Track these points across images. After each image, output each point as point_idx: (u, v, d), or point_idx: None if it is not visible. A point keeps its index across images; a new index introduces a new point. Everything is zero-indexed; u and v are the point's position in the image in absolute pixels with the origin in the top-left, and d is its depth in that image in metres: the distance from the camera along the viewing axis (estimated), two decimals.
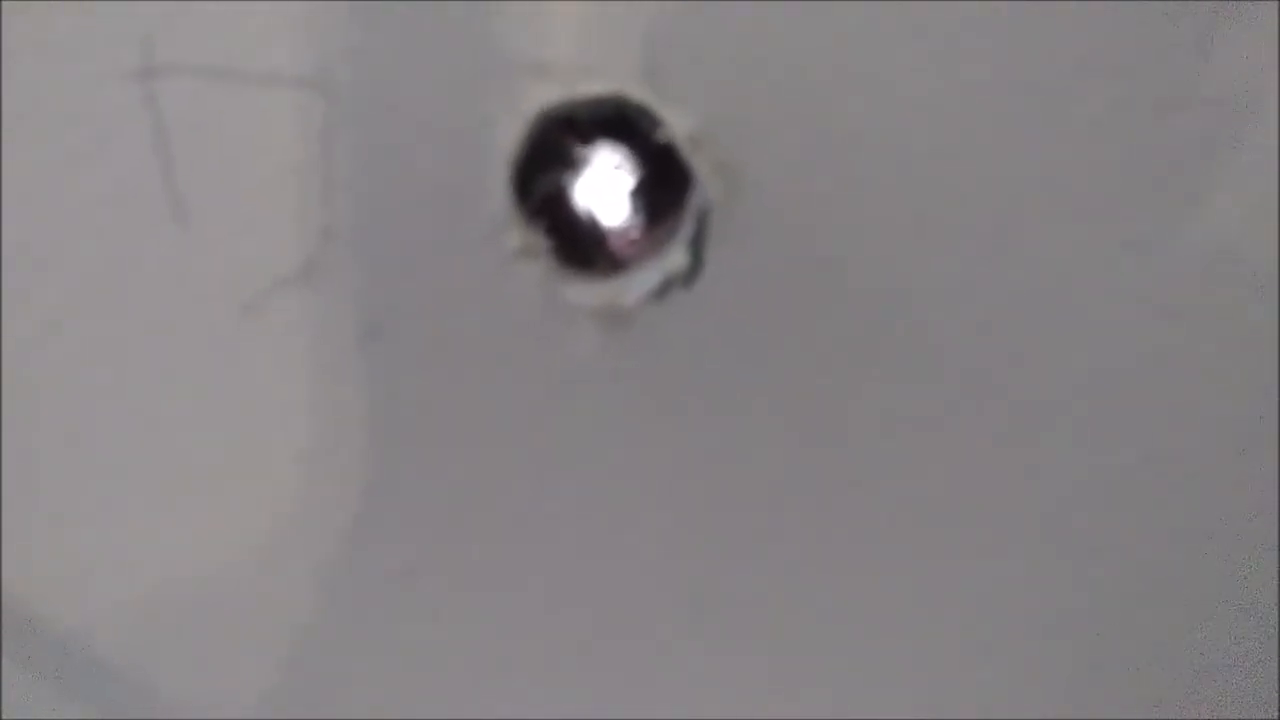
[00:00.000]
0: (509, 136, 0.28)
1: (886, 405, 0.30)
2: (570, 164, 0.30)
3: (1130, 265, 0.29)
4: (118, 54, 0.28)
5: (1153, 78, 0.28)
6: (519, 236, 0.29)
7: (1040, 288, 0.30)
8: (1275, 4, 0.28)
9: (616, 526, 0.31)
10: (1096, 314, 0.30)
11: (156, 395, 0.30)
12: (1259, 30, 0.28)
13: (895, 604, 0.32)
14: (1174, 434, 0.31)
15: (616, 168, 0.30)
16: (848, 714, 0.32)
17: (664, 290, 0.30)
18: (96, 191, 0.29)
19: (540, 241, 0.29)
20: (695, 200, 0.29)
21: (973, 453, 0.31)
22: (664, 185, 0.30)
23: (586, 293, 0.30)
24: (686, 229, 0.29)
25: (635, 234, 0.30)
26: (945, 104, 0.28)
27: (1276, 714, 0.32)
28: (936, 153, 0.29)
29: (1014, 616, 0.32)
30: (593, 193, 0.31)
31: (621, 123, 0.29)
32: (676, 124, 0.28)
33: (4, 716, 0.32)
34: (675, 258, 0.29)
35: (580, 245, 0.30)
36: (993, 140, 0.29)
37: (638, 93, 0.28)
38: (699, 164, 0.29)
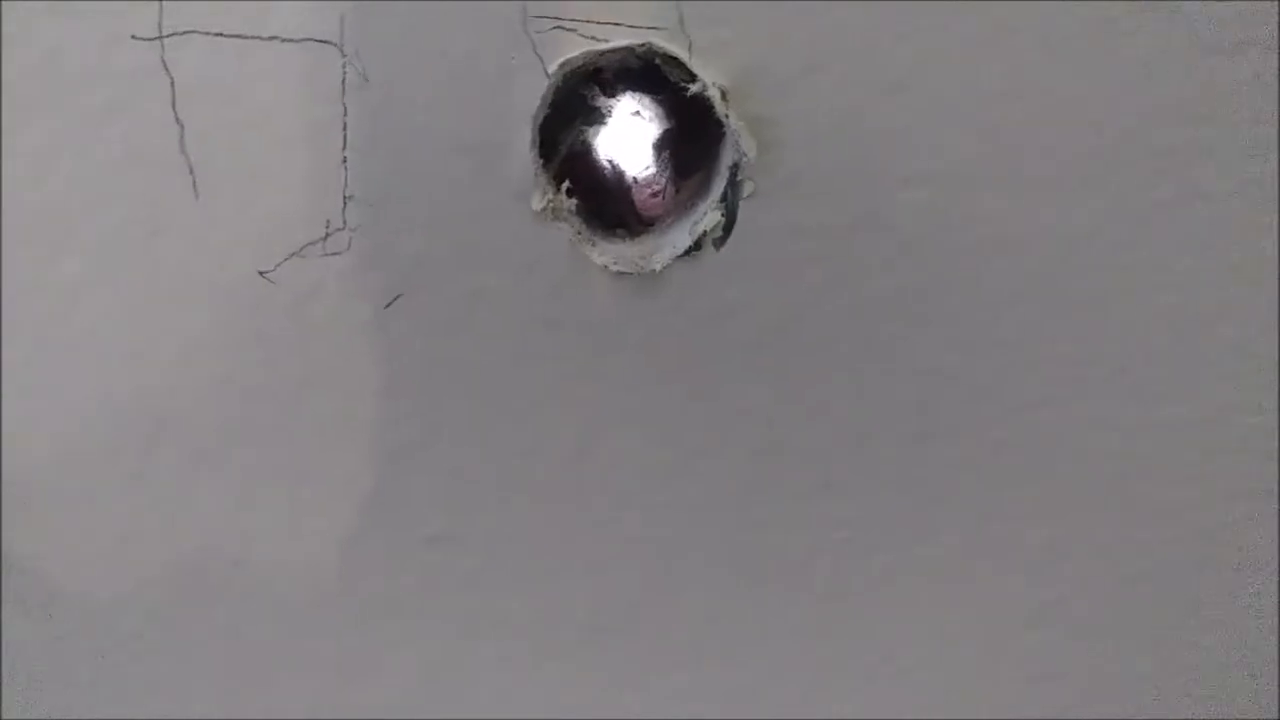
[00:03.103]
0: (533, 92, 0.27)
1: (919, 364, 0.30)
2: (597, 120, 0.28)
3: (1177, 219, 0.29)
4: (133, 17, 0.26)
5: (1196, 28, 0.27)
6: (544, 197, 0.28)
7: (1078, 242, 0.29)
8: (1275, 3, 0.27)
9: (643, 487, 0.31)
10: (1137, 271, 0.29)
11: (176, 363, 0.29)
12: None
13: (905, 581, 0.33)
14: (1196, 411, 0.31)
15: (645, 120, 0.29)
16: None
17: (695, 250, 0.28)
18: (112, 155, 0.27)
19: (566, 202, 0.28)
20: (727, 156, 0.28)
21: (1004, 412, 0.31)
22: (694, 142, 0.29)
23: (615, 255, 0.29)
24: (718, 186, 0.28)
25: (665, 192, 0.29)
26: (984, 58, 0.27)
27: (1277, 714, 0.32)
28: (974, 107, 0.27)
29: (1026, 609, 0.33)
30: (621, 151, 0.29)
31: (651, 76, 0.27)
32: (708, 77, 0.27)
33: (4, 717, 0.32)
34: (707, 217, 0.28)
35: (608, 206, 0.29)
36: (1030, 95, 0.27)
37: (669, 44, 0.27)
38: (731, 118, 0.27)
